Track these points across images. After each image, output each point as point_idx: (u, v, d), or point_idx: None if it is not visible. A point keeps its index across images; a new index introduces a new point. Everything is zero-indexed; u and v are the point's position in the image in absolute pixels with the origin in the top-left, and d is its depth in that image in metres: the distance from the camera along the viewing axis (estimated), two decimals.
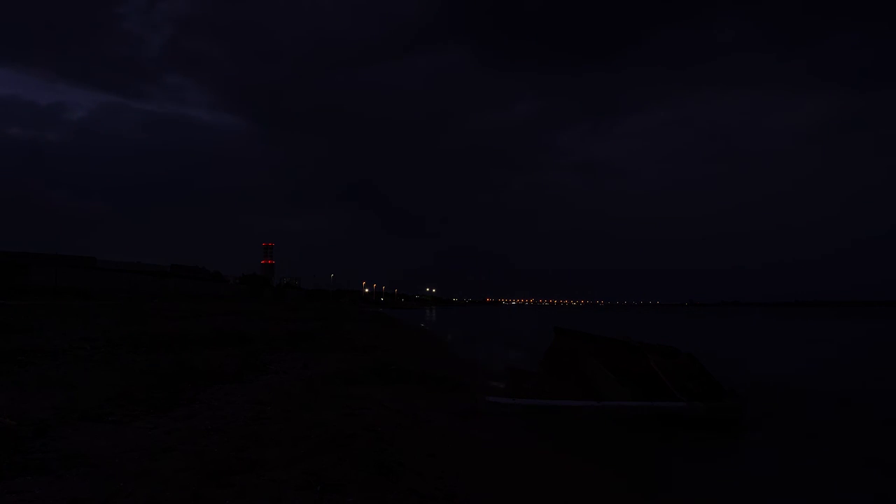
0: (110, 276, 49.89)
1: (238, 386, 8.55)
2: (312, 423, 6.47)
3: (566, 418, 8.66)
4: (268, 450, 5.23)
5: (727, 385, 9.96)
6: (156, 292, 51.38)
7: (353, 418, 6.86)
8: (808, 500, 6.15)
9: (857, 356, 24.42)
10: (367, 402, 8.00)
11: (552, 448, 6.94)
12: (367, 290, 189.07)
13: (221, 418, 6.36)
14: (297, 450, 5.31)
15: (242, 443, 5.40)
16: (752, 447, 8.30)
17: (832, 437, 8.99)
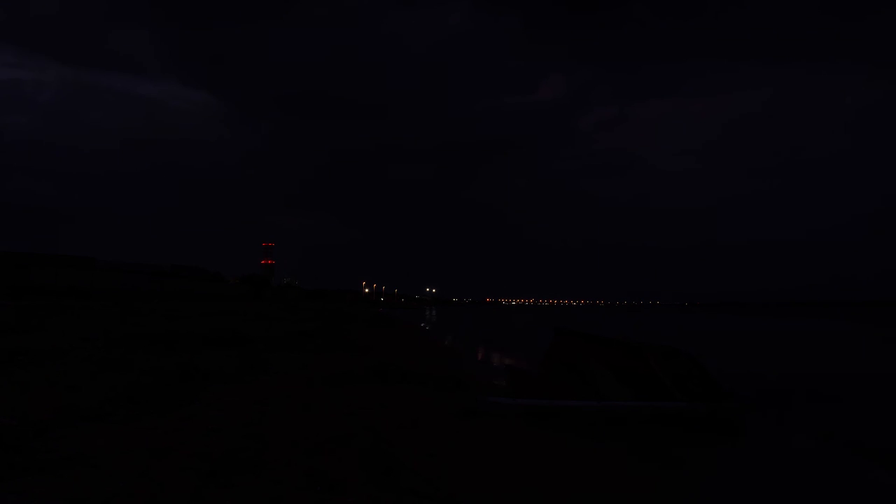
0: (110, 276, 49.92)
1: (238, 386, 8.55)
2: (312, 422, 6.48)
3: (566, 419, 8.67)
4: (268, 450, 5.24)
5: (727, 386, 9.97)
6: (156, 292, 51.38)
7: (353, 418, 6.87)
8: (808, 499, 6.16)
9: (857, 357, 24.42)
10: (367, 402, 8.00)
11: (552, 448, 6.94)
12: (367, 290, 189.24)
13: (221, 418, 6.36)
14: (297, 450, 5.32)
15: (242, 443, 5.41)
16: (753, 448, 8.30)
17: (831, 438, 9.00)
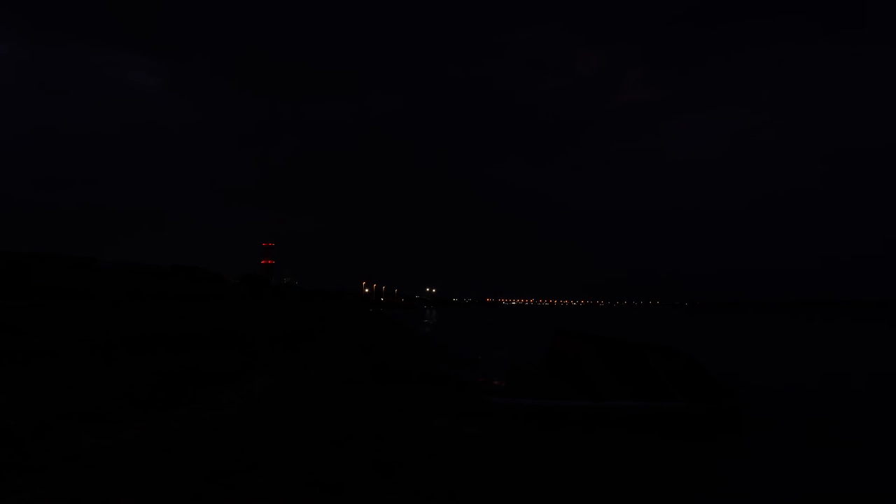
0: (110, 276, 49.89)
1: (238, 386, 8.54)
2: (312, 422, 6.47)
3: (566, 418, 8.67)
4: (268, 450, 5.24)
5: (727, 385, 9.97)
6: (156, 292, 51.39)
7: (353, 418, 6.87)
8: (808, 500, 6.15)
9: (854, 357, 24.43)
10: (368, 402, 8.00)
11: (552, 448, 6.94)
12: (367, 290, 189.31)
13: (221, 418, 6.36)
14: (297, 449, 5.32)
15: (242, 443, 5.40)
16: (753, 447, 8.30)
17: (830, 438, 9.00)
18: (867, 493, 6.32)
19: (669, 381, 9.47)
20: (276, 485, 4.36)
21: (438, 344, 27.11)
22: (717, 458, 7.77)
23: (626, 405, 9.04)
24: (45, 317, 17.37)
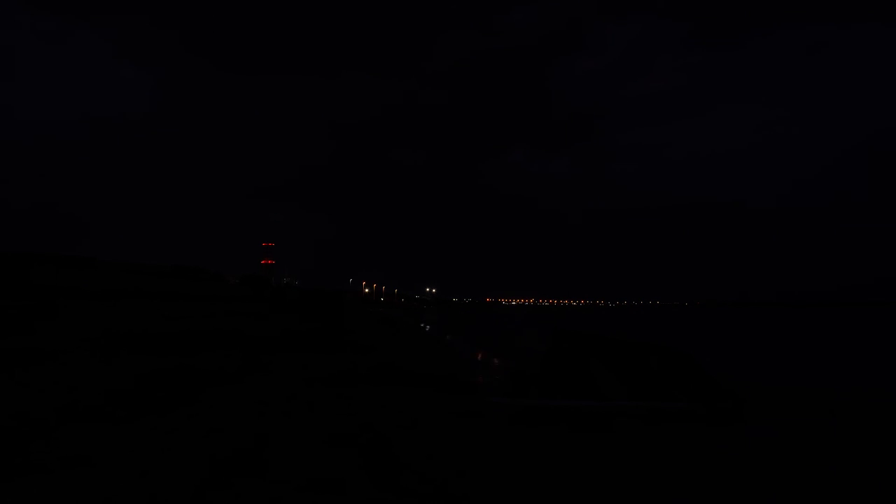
0: (110, 276, 49.88)
1: (238, 386, 8.55)
2: (312, 422, 6.48)
3: (566, 418, 8.67)
4: (268, 450, 5.24)
5: (726, 385, 9.99)
6: (156, 292, 51.40)
7: (353, 418, 6.87)
8: (807, 500, 6.15)
9: (853, 355, 24.45)
10: (368, 402, 8.00)
11: (552, 448, 6.94)
12: (366, 290, 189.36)
13: (221, 418, 6.36)
14: (297, 450, 5.32)
15: (243, 443, 5.41)
16: (752, 446, 8.29)
17: (830, 436, 9.01)
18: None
19: (669, 381, 9.49)
20: (277, 484, 4.36)
21: (439, 344, 27.11)
22: (714, 459, 7.77)
23: (626, 405, 9.05)
24: (45, 317, 17.38)
